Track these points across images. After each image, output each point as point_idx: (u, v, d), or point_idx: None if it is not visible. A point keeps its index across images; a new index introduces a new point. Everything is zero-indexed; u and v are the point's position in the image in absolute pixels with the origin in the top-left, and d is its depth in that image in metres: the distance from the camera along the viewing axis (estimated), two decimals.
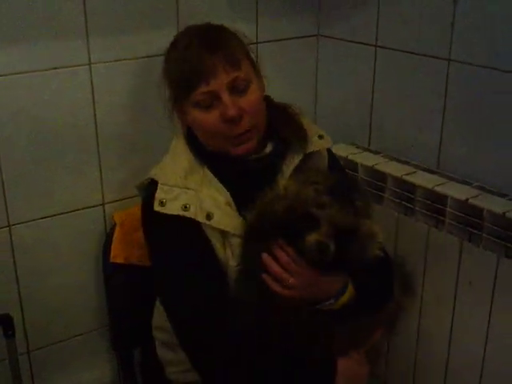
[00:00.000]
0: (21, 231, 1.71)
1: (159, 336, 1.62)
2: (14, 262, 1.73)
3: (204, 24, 1.50)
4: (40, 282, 1.78)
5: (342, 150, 1.93)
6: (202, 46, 1.41)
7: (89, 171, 1.77)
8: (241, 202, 1.46)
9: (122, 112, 1.77)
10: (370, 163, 1.85)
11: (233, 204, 1.46)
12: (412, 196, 1.75)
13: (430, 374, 1.91)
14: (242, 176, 1.48)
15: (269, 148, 1.52)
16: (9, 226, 1.69)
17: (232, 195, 1.46)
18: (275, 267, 1.36)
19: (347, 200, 1.32)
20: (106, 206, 1.83)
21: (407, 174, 1.77)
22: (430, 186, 1.70)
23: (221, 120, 1.41)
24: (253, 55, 1.51)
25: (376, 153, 1.93)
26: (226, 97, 1.40)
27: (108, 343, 1.91)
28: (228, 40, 1.45)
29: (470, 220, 1.62)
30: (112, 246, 1.73)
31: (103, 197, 1.81)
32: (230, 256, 1.44)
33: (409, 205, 1.76)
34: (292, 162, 1.52)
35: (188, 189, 1.44)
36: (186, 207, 1.42)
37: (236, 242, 1.44)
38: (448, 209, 1.65)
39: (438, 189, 1.68)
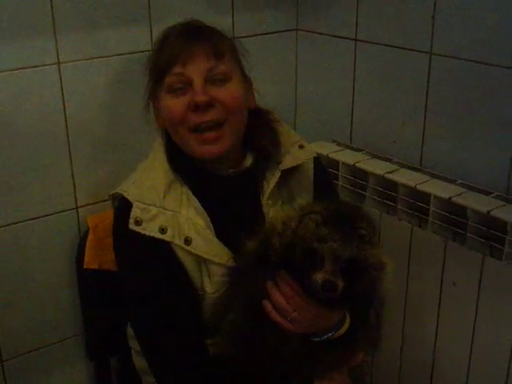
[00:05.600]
0: None
1: (135, 345, 1.57)
2: None
3: (194, 20, 1.46)
4: (12, 289, 1.73)
5: (322, 148, 1.89)
6: (184, 32, 1.39)
7: (60, 174, 1.72)
8: (221, 223, 1.41)
9: (94, 112, 1.72)
10: (351, 161, 1.81)
11: (212, 228, 1.40)
12: (394, 194, 1.71)
13: (415, 377, 1.89)
14: (221, 194, 1.43)
15: (248, 161, 1.47)
16: None
17: (211, 216, 1.40)
18: (279, 298, 1.29)
19: (349, 229, 1.24)
20: (80, 210, 1.78)
21: (389, 172, 1.73)
22: (412, 184, 1.66)
23: (188, 108, 1.35)
24: (245, 65, 1.46)
25: (357, 150, 1.89)
26: (198, 82, 1.35)
27: (84, 351, 1.86)
28: (216, 32, 1.41)
29: (454, 219, 1.59)
30: (85, 252, 1.68)
31: (76, 200, 1.76)
32: (207, 282, 1.39)
33: (391, 203, 1.73)
34: (271, 178, 1.46)
35: (166, 209, 1.38)
36: (163, 230, 1.36)
37: (214, 269, 1.39)
38: (431, 207, 1.62)
39: (420, 187, 1.65)
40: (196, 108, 1.35)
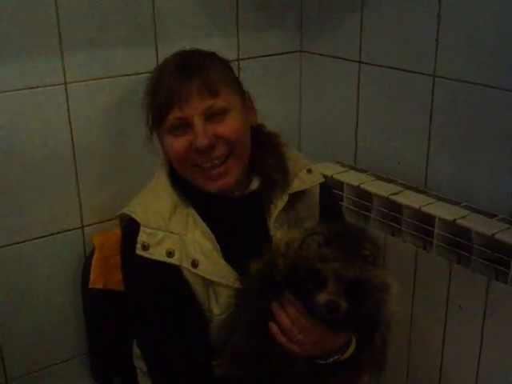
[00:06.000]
0: None
1: (140, 365, 1.56)
2: None
3: (192, 50, 1.44)
4: (17, 309, 1.73)
5: (326, 169, 1.89)
6: (177, 71, 1.36)
7: (67, 193, 1.72)
8: (227, 245, 1.41)
9: (100, 132, 1.73)
10: (355, 182, 1.81)
11: (219, 250, 1.40)
12: (399, 216, 1.71)
13: None
14: (227, 216, 1.43)
15: (255, 184, 1.47)
16: None
17: (217, 238, 1.40)
18: (285, 319, 1.29)
19: (353, 250, 1.24)
20: (85, 229, 1.78)
21: (394, 194, 1.73)
22: (417, 206, 1.66)
23: (190, 148, 1.36)
24: (240, 83, 1.45)
25: (362, 171, 1.89)
26: (198, 124, 1.34)
27: (88, 371, 1.85)
28: (208, 67, 1.37)
29: (459, 241, 1.59)
30: (91, 271, 1.68)
31: (82, 219, 1.77)
32: (214, 304, 1.39)
33: (396, 225, 1.73)
34: (278, 202, 1.46)
35: (172, 233, 1.37)
36: (170, 253, 1.36)
37: (222, 290, 1.39)
38: (436, 230, 1.62)
39: (425, 209, 1.64)
40: (199, 151, 1.35)
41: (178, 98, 1.33)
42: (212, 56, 1.43)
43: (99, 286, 1.67)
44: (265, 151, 1.48)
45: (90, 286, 1.67)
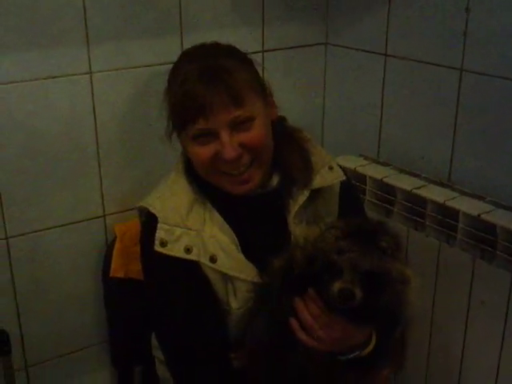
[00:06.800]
0: (18, 244, 1.67)
1: (158, 355, 1.57)
2: (12, 275, 1.68)
3: (210, 47, 1.41)
4: (38, 296, 1.74)
5: (349, 162, 1.88)
6: (202, 78, 1.31)
7: (89, 182, 1.73)
8: (246, 240, 1.41)
9: (123, 122, 1.73)
10: (378, 176, 1.80)
11: (238, 244, 1.40)
12: (423, 210, 1.69)
13: None
14: (246, 213, 1.42)
15: (275, 180, 1.46)
16: (6, 238, 1.65)
17: (236, 233, 1.40)
18: (306, 315, 1.29)
19: (370, 242, 1.23)
20: (107, 218, 1.78)
21: (417, 188, 1.71)
22: (441, 200, 1.64)
23: (216, 156, 1.34)
24: (262, 80, 1.42)
25: (385, 165, 1.88)
26: (224, 136, 1.32)
27: (108, 359, 1.86)
28: (231, 70, 1.33)
29: (483, 236, 1.57)
30: (112, 260, 1.69)
31: (104, 208, 1.77)
32: (232, 298, 1.40)
33: (419, 219, 1.71)
34: (299, 197, 1.45)
35: (190, 229, 1.38)
36: (188, 250, 1.36)
37: (240, 285, 1.39)
38: (460, 224, 1.60)
39: (449, 203, 1.63)
40: (226, 162, 1.34)
41: (203, 109, 1.30)
42: (233, 53, 1.40)
43: (120, 275, 1.68)
44: (287, 148, 1.46)
45: (110, 275, 1.68)
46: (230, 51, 1.41)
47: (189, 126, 1.34)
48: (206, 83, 1.31)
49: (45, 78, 1.59)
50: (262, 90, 1.41)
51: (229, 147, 1.32)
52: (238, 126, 1.33)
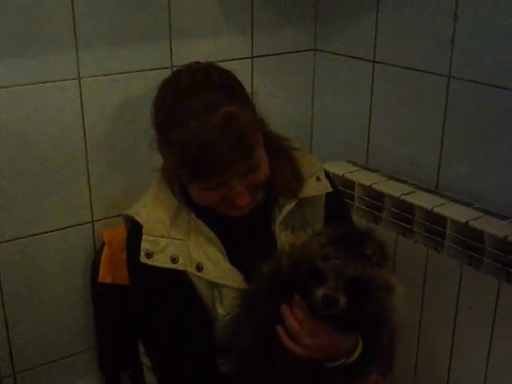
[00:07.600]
0: (6, 249, 1.67)
1: (146, 361, 1.57)
2: (0, 280, 1.67)
3: (202, 80, 1.32)
4: (26, 302, 1.74)
5: (338, 168, 1.88)
6: (213, 134, 1.24)
7: (77, 188, 1.73)
8: (232, 248, 1.40)
9: (113, 127, 1.73)
10: (367, 182, 1.80)
11: (224, 252, 1.40)
12: (411, 217, 1.70)
13: None
14: (232, 222, 1.40)
15: (261, 194, 1.43)
16: None
17: (222, 241, 1.40)
18: (292, 321, 1.28)
19: (355, 249, 1.23)
20: (95, 224, 1.78)
21: (406, 194, 1.72)
22: (429, 206, 1.65)
23: (223, 199, 1.33)
24: (257, 112, 1.37)
25: (373, 171, 1.88)
26: (237, 186, 1.30)
27: (96, 365, 1.85)
28: (238, 119, 1.26)
29: (471, 243, 1.58)
30: (100, 266, 1.68)
31: (92, 214, 1.77)
32: (219, 305, 1.39)
33: (407, 226, 1.72)
34: (285, 206, 1.44)
35: (175, 239, 1.37)
36: (174, 259, 1.35)
37: (227, 292, 1.39)
38: (448, 231, 1.61)
39: (437, 210, 1.63)
40: (237, 207, 1.34)
41: (218, 166, 1.26)
42: (231, 92, 1.31)
43: (108, 280, 1.68)
44: (276, 158, 1.42)
45: (99, 281, 1.68)
46: (225, 86, 1.32)
47: (201, 180, 1.31)
48: (218, 141, 1.25)
49: (34, 83, 1.59)
50: (261, 123, 1.38)
51: (242, 195, 1.32)
52: (247, 172, 1.32)
